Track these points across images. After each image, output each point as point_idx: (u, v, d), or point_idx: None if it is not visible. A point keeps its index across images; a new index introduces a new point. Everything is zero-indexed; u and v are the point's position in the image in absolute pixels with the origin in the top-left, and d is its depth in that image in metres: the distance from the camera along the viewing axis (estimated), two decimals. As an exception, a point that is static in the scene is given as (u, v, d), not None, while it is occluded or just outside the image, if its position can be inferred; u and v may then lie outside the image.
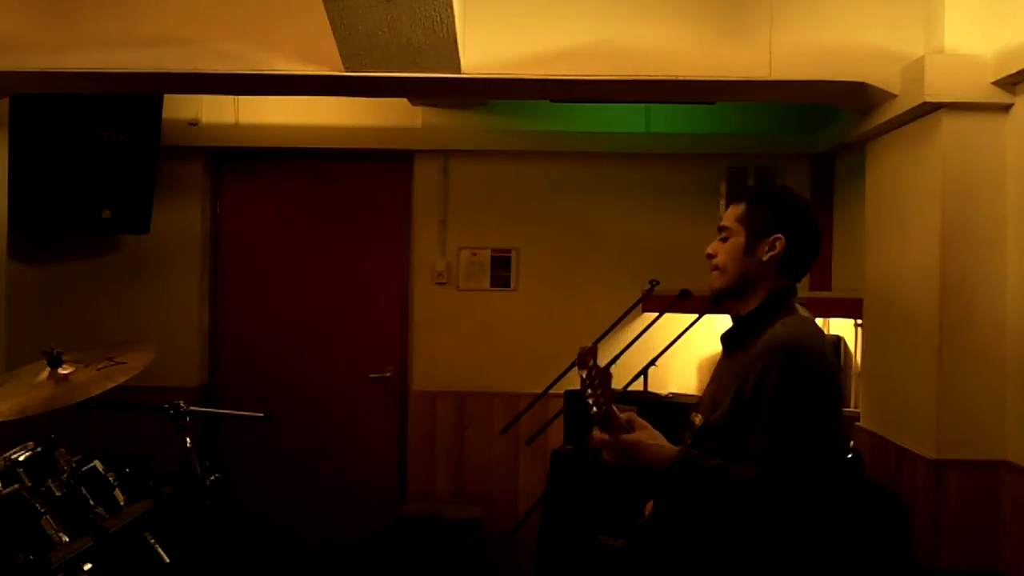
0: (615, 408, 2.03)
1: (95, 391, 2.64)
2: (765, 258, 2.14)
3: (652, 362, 4.20)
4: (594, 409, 2.01)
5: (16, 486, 2.57)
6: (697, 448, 2.07)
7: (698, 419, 2.16)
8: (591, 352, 2.03)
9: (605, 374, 2.01)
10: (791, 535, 2.00)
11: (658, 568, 2.20)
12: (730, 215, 2.21)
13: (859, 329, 4.19)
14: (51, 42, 3.40)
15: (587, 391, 2.02)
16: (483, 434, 4.85)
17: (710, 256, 2.22)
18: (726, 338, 2.23)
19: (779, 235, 2.14)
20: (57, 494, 2.67)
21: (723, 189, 4.87)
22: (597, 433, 2.04)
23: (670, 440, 2.09)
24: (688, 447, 2.06)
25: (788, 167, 4.88)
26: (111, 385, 2.66)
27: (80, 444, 3.18)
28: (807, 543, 2.02)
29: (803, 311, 2.15)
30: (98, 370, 2.74)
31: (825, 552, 2.05)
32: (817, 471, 1.96)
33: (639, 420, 2.09)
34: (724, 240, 2.19)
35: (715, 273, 2.20)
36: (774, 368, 1.98)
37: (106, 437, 4.29)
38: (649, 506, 2.30)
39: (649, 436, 2.05)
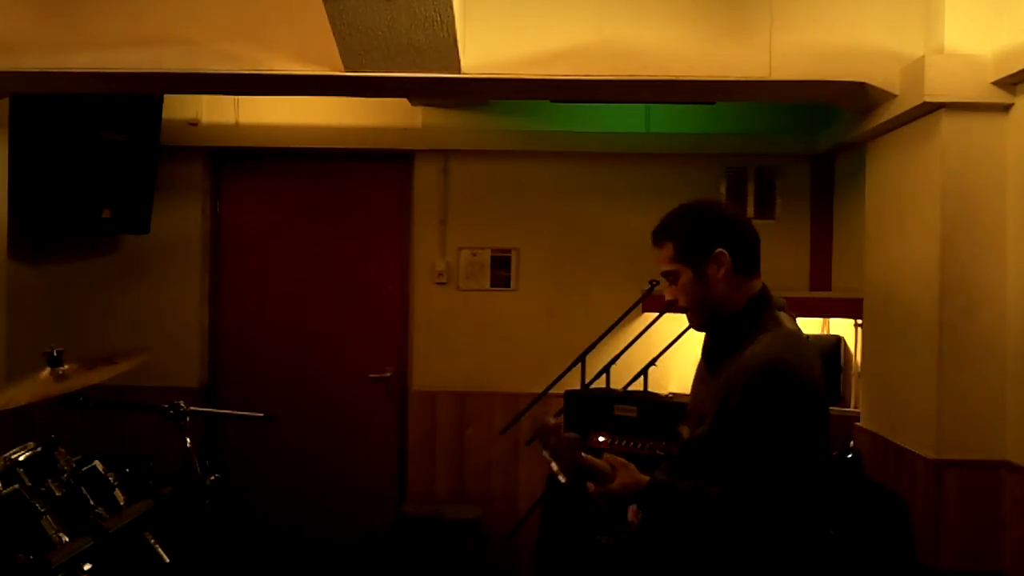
0: (590, 458, 2.14)
1: (85, 383, 2.64)
2: (720, 275, 2.10)
3: (652, 362, 4.21)
4: (561, 478, 2.17)
5: (16, 486, 2.56)
6: (684, 460, 2.13)
7: (685, 432, 2.19)
8: (553, 429, 2.18)
9: (571, 443, 2.15)
10: (771, 544, 2.02)
11: (651, 570, 2.23)
12: (664, 259, 2.18)
13: (859, 329, 4.19)
14: (51, 42, 3.40)
15: (552, 465, 2.16)
16: (483, 434, 4.85)
17: (672, 302, 2.20)
18: (709, 353, 2.20)
19: (719, 249, 2.10)
20: (57, 494, 2.66)
21: (723, 189, 4.87)
22: (591, 486, 2.16)
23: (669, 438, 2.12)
24: (657, 474, 2.12)
25: (788, 167, 4.88)
26: (101, 379, 2.65)
27: (80, 444, 3.17)
28: (791, 548, 2.04)
29: (786, 319, 2.13)
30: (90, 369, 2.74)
31: (817, 555, 2.06)
32: (792, 490, 1.97)
33: (617, 460, 2.15)
34: (674, 283, 2.17)
35: (688, 314, 2.19)
36: (754, 390, 1.97)
37: (106, 437, 4.30)
38: (631, 511, 2.34)
39: (628, 475, 2.12)
